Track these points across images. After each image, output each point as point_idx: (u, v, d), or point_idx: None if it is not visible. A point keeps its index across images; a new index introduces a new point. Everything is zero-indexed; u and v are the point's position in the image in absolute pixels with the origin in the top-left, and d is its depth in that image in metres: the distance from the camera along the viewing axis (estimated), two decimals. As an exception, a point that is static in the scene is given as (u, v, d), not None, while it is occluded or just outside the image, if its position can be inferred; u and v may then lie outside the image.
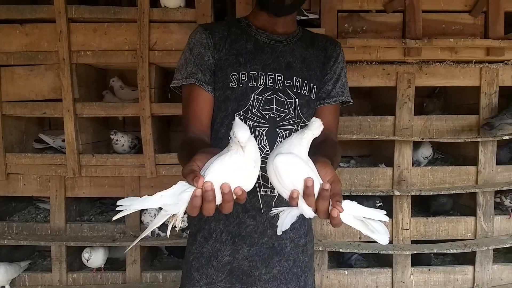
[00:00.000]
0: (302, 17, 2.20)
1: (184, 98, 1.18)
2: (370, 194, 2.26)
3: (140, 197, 0.77)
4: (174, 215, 0.79)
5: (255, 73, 1.15)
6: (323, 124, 1.19)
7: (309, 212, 0.81)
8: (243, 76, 1.14)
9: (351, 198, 0.98)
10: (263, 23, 1.21)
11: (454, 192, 2.30)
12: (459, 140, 2.30)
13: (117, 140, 2.34)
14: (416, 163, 2.42)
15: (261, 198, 1.15)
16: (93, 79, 2.47)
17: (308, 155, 0.86)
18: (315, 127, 0.85)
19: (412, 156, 2.34)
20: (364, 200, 2.28)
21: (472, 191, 2.30)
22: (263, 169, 1.07)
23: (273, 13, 1.17)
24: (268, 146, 1.13)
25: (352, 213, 0.82)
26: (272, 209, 0.90)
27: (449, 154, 2.63)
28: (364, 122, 2.33)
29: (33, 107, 2.24)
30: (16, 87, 2.24)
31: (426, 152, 2.40)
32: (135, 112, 2.25)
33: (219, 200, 0.77)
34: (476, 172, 2.36)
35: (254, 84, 1.14)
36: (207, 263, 1.17)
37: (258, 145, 1.08)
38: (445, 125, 2.37)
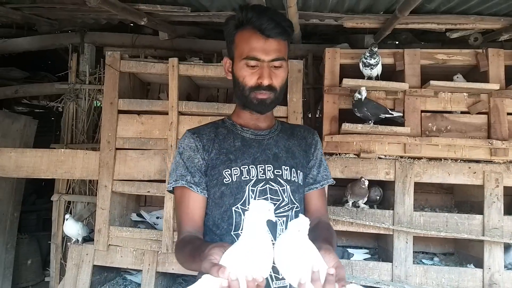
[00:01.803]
0: (387, 116, 2.35)
1: (176, 199, 1.26)
2: (460, 296, 2.17)
3: None
4: None
5: (246, 167, 1.22)
6: (315, 208, 1.31)
7: None
8: (236, 171, 1.21)
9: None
10: (246, 120, 1.31)
11: (555, 303, 2.14)
12: (557, 245, 2.19)
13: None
14: (508, 267, 2.31)
15: None
16: (190, 163, 2.75)
17: (310, 241, 0.92)
18: (302, 225, 0.91)
19: (504, 259, 2.25)
20: (453, 302, 2.18)
21: None
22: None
23: (257, 112, 1.27)
24: (271, 235, 1.13)
25: None
26: None
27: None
28: (450, 219, 2.32)
29: (139, 186, 2.52)
30: (127, 167, 2.55)
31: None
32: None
33: None
34: None
35: (247, 177, 1.21)
36: None
37: None
38: (538, 227, 2.28)
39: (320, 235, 1.09)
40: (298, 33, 2.80)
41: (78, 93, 3.24)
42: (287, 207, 1.22)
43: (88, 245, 2.58)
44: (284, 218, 1.20)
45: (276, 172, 1.23)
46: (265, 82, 1.20)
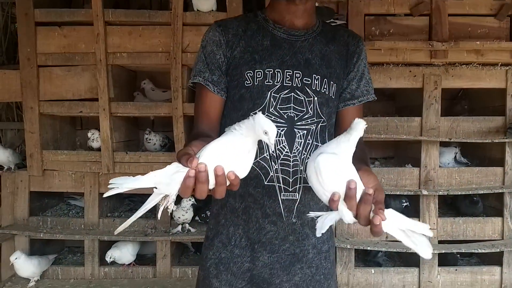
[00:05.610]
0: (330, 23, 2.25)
1: (195, 95, 1.17)
2: (398, 193, 2.29)
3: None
4: (166, 196, 0.78)
5: (271, 70, 1.09)
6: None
7: (349, 217, 0.79)
8: (259, 74, 1.09)
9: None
10: (281, 14, 1.13)
11: (481, 193, 2.31)
12: (487, 141, 2.31)
13: (150, 139, 2.41)
14: (443, 165, 2.44)
15: (282, 202, 1.09)
16: (125, 81, 2.55)
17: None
18: (360, 129, 0.82)
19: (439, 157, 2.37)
20: (390, 199, 2.31)
21: (500, 191, 2.31)
22: (283, 171, 1.07)
23: None
24: (287, 147, 1.08)
25: (394, 223, 0.79)
26: (310, 212, 0.87)
27: (475, 156, 2.63)
28: (391, 123, 2.37)
29: (70, 106, 2.33)
30: (53, 86, 2.33)
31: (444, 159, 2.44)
32: (168, 112, 2.32)
33: (212, 183, 0.76)
34: (503, 173, 2.37)
35: (271, 82, 1.09)
36: (226, 269, 1.12)
37: (278, 145, 1.07)
38: (471, 126, 2.39)
39: (356, 155, 0.96)
40: None
41: (-11, 7, 2.85)
42: (310, 120, 1.10)
43: (21, 172, 2.44)
44: (305, 131, 1.09)
45: (305, 80, 1.09)
46: None
